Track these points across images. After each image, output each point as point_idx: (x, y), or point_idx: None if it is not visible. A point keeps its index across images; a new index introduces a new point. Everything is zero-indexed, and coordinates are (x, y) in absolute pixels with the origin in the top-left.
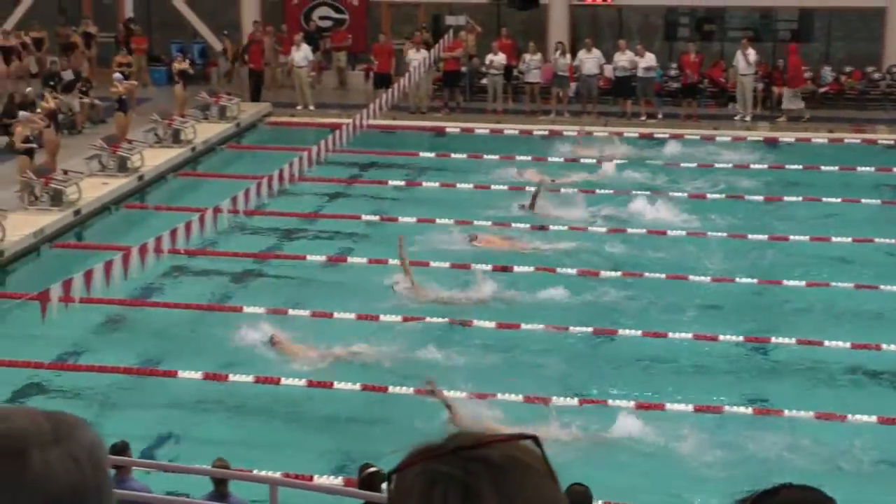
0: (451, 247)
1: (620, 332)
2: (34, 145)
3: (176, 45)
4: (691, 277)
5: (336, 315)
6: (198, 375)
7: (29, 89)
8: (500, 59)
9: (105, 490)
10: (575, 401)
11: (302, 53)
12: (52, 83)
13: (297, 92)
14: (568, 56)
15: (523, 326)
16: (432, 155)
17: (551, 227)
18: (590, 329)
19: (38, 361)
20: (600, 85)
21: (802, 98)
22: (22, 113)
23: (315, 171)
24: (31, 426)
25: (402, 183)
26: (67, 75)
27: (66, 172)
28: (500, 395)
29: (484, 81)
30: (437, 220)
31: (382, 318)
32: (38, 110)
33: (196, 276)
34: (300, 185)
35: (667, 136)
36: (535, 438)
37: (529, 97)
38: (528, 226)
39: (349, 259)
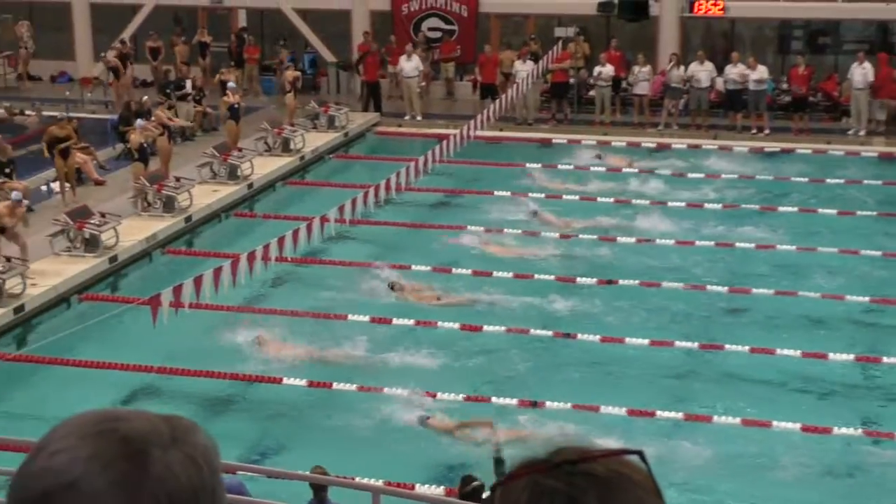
0: (555, 256)
1: (728, 346)
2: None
3: (287, 55)
4: (801, 293)
5: (440, 324)
6: (302, 383)
7: (145, 98)
8: (608, 70)
9: (219, 493)
10: (680, 415)
11: (412, 64)
12: (167, 92)
13: (406, 102)
14: (682, 68)
15: (628, 340)
16: (538, 166)
17: (657, 240)
18: (695, 344)
19: (149, 365)
20: (711, 98)
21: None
22: (139, 121)
23: (421, 182)
24: (149, 428)
25: (508, 194)
26: (185, 84)
27: (178, 179)
28: (603, 409)
29: (592, 93)
30: (542, 234)
31: (486, 328)
32: (153, 119)
33: (302, 284)
34: (406, 194)
35: (778, 150)
36: (641, 453)
37: (637, 109)
38: (633, 239)
39: (453, 270)
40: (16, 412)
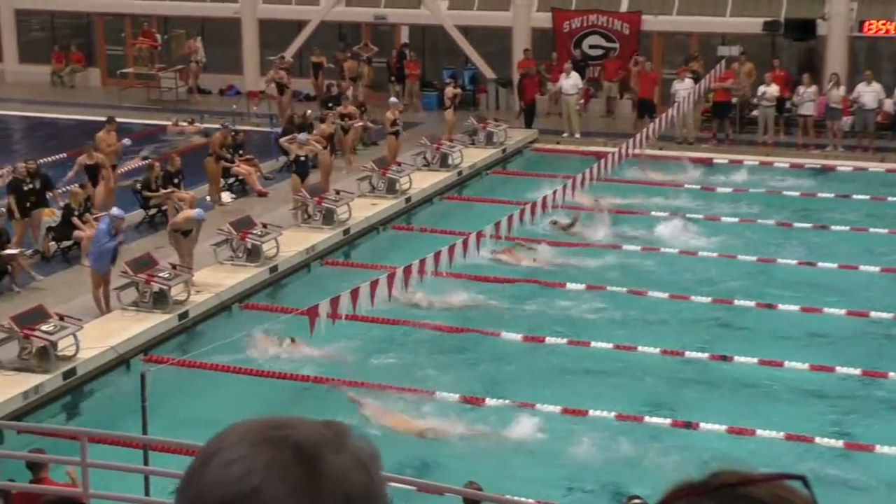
0: (709, 277)
1: (891, 374)
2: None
3: (447, 70)
4: None
5: (592, 344)
6: (455, 398)
7: (308, 111)
8: (772, 90)
9: (385, 496)
10: (840, 443)
11: (571, 81)
12: (329, 105)
13: (564, 119)
14: (842, 88)
15: (786, 364)
16: (698, 187)
17: (819, 263)
18: (858, 370)
19: (305, 375)
20: (878, 119)
21: None
22: (301, 135)
23: (577, 200)
24: (317, 433)
25: (666, 214)
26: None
27: (337, 192)
28: (759, 432)
29: (755, 113)
30: (700, 254)
31: (640, 348)
32: (315, 132)
33: (457, 300)
34: (563, 212)
35: None
36: (804, 479)
37: (802, 130)
38: (795, 261)
39: (608, 287)
40: (178, 416)
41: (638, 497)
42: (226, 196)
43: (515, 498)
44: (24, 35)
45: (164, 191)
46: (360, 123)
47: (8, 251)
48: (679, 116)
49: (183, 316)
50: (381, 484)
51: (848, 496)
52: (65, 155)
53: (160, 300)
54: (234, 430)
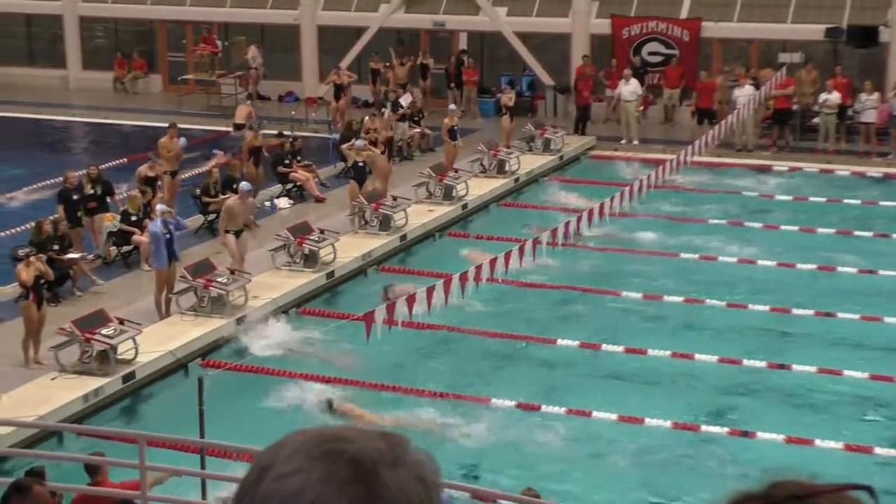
0: (768, 286)
1: None
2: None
3: (505, 77)
4: None
5: (649, 352)
6: (511, 404)
7: (366, 118)
8: (834, 97)
9: None
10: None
11: (630, 88)
12: (382, 111)
13: (623, 126)
14: None
15: (846, 373)
16: (756, 195)
17: (880, 272)
18: None
19: (358, 380)
20: None
21: None
22: (358, 141)
23: (636, 207)
24: (374, 447)
25: (724, 222)
26: (404, 103)
27: (395, 199)
28: (817, 442)
29: (816, 120)
30: (759, 262)
31: (697, 356)
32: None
33: (513, 305)
34: (620, 220)
35: None
36: (869, 489)
37: (864, 138)
38: (855, 270)
39: (665, 297)
40: (234, 419)
41: None
42: (284, 202)
43: None
44: (87, 42)
45: (222, 196)
46: (417, 130)
47: (70, 255)
48: (738, 123)
49: (240, 321)
50: (437, 498)
51: None
52: (126, 160)
53: (218, 305)
54: (291, 440)
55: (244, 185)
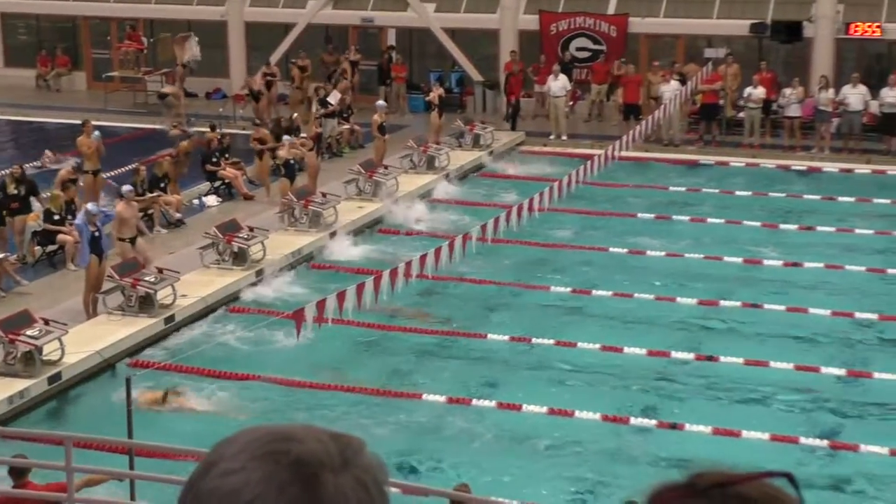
0: (696, 281)
1: (875, 374)
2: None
3: (434, 73)
4: None
5: (579, 345)
6: (442, 399)
7: (295, 115)
8: (759, 92)
9: None
10: (825, 443)
11: (559, 83)
12: (317, 108)
13: (552, 121)
14: (831, 91)
15: (772, 364)
16: (683, 189)
17: (805, 264)
18: (843, 370)
19: (291, 378)
20: (864, 121)
21: None
22: (286, 137)
23: (564, 202)
24: (321, 448)
25: (652, 216)
26: (332, 100)
27: (324, 195)
28: (744, 433)
29: (741, 115)
30: (686, 255)
31: (626, 349)
32: (303, 135)
33: (442, 302)
34: (549, 215)
35: None
36: (790, 476)
37: (788, 132)
38: (781, 262)
39: (594, 292)
40: (163, 419)
41: (636, 501)
42: (212, 199)
43: (501, 500)
44: (9, 38)
45: (149, 195)
46: (346, 127)
47: None
48: (665, 118)
49: (169, 319)
50: (384, 503)
51: (834, 496)
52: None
53: (146, 304)
54: (240, 437)
55: (126, 188)
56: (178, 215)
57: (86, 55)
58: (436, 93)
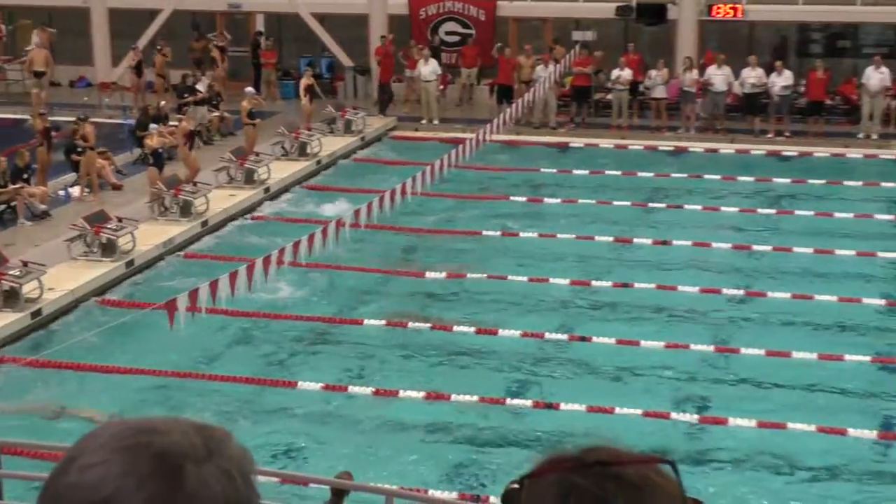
0: (569, 262)
1: (742, 350)
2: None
3: (304, 59)
4: (817, 297)
5: (454, 329)
6: (317, 387)
7: (163, 103)
8: (626, 74)
9: (254, 503)
10: (695, 417)
11: (430, 68)
12: (185, 96)
13: (423, 106)
14: (695, 72)
15: (643, 343)
16: (554, 171)
17: (674, 242)
18: (711, 347)
19: (165, 370)
20: (728, 101)
21: None
22: (153, 126)
23: (437, 186)
24: (184, 440)
25: (524, 198)
26: (201, 87)
27: (195, 184)
28: (617, 410)
29: (609, 97)
30: (558, 235)
31: (501, 332)
32: (172, 124)
33: (318, 289)
34: (422, 199)
35: (795, 153)
36: (673, 464)
37: (655, 113)
38: (650, 241)
39: (468, 275)
40: (33, 418)
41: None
42: (78, 190)
43: (382, 486)
44: None
45: (12, 186)
46: (216, 114)
47: None
48: (539, 101)
49: (36, 314)
50: (251, 493)
51: (704, 469)
52: None
53: (11, 298)
54: (102, 431)
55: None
56: (43, 207)
57: None
58: (305, 80)
